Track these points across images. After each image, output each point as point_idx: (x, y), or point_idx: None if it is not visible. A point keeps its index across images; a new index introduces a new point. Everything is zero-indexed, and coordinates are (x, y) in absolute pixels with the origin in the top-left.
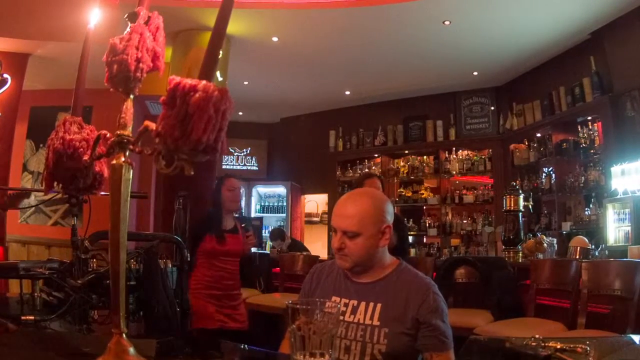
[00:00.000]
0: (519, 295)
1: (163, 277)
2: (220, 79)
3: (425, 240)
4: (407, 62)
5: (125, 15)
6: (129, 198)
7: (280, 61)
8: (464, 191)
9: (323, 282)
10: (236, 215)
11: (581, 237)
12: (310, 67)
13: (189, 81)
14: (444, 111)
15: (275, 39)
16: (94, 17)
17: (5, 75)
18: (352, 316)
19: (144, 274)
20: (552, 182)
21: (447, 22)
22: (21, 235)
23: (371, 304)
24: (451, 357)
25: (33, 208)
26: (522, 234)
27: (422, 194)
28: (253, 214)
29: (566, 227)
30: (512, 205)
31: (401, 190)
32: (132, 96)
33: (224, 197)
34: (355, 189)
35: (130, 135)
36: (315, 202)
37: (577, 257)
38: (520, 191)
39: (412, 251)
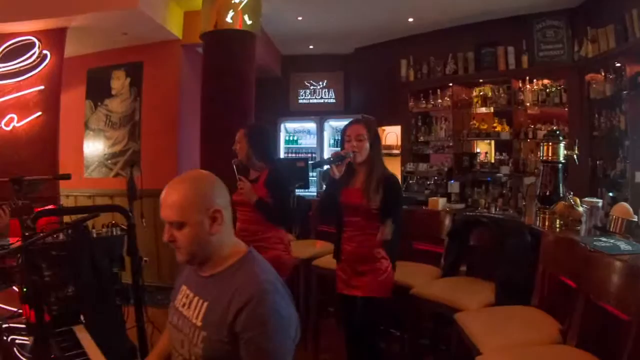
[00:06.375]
0: (532, 272)
1: (92, 249)
2: (249, 22)
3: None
4: None
5: None
6: None
7: None
8: (539, 125)
9: (186, 268)
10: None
11: (624, 204)
12: None
13: None
14: (515, 36)
15: None
16: None
17: (45, 52)
18: (188, 310)
19: (68, 247)
20: (627, 121)
21: None
22: (87, 189)
23: (200, 301)
24: None
25: (96, 163)
26: (561, 190)
27: (495, 127)
28: (326, 150)
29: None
30: (549, 154)
31: (473, 122)
32: None
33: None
34: (181, 174)
35: None
36: (395, 134)
37: (617, 230)
38: (562, 137)
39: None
